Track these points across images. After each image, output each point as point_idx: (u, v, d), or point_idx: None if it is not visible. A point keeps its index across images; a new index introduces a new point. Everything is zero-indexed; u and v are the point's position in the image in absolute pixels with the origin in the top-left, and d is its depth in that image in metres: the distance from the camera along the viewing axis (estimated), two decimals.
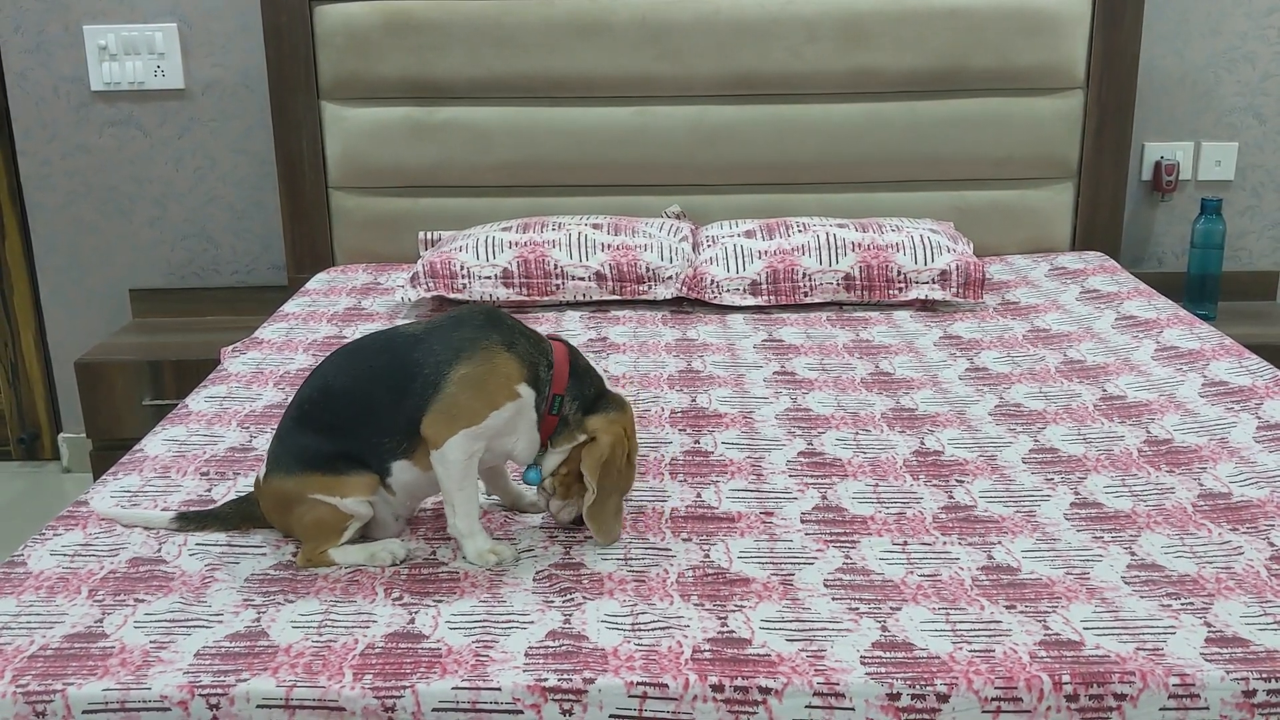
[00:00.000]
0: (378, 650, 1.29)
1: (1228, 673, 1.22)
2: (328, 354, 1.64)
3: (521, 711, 1.21)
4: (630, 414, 1.54)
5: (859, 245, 2.59)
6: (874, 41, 2.85)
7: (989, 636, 1.30)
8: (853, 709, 1.21)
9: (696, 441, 1.87)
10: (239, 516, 1.58)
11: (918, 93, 2.89)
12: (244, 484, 1.72)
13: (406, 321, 1.78)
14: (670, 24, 2.85)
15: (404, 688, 1.22)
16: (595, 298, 2.61)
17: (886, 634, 1.31)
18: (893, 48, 2.85)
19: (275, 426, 1.77)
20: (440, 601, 1.39)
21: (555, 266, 2.58)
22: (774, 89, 2.89)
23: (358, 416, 1.48)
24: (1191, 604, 1.36)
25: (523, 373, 1.47)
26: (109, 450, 2.80)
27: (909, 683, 1.22)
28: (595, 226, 2.67)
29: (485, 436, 1.47)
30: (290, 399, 1.62)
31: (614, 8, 2.85)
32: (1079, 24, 2.84)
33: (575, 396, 1.51)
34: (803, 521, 1.60)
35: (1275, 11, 2.97)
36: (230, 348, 2.39)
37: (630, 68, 2.88)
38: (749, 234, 2.68)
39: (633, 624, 1.33)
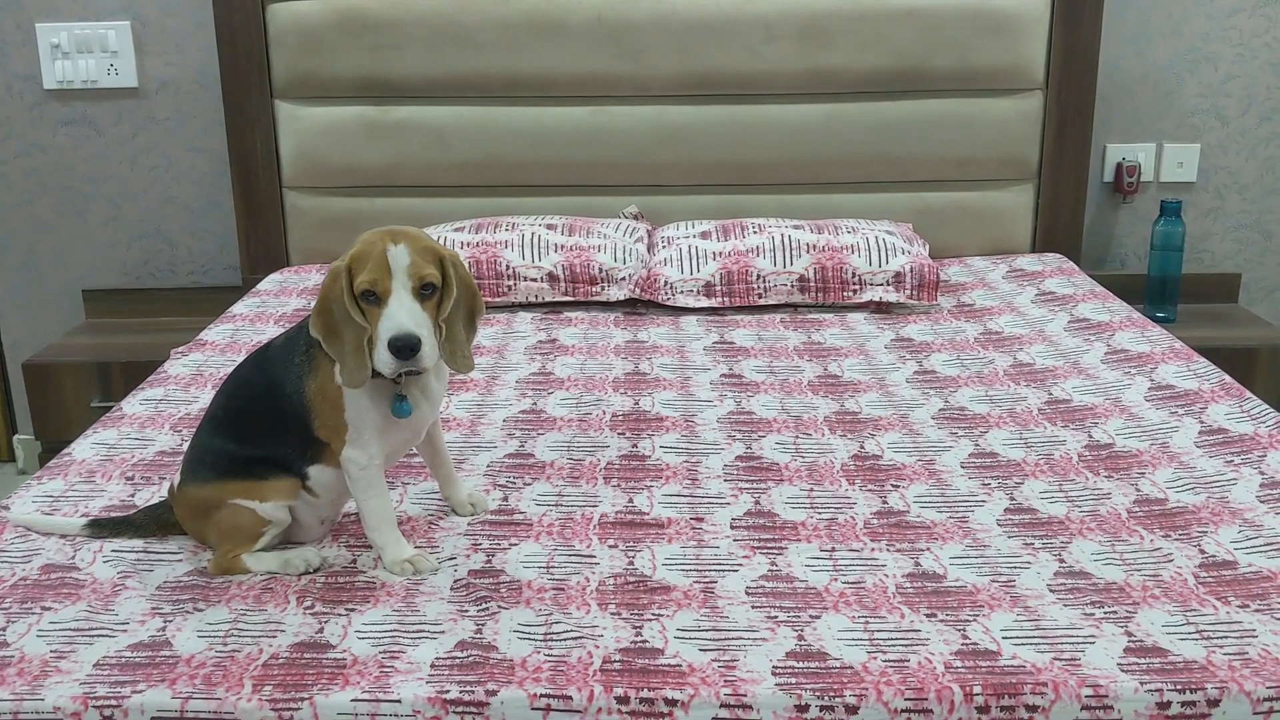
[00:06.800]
0: (281, 660, 1.26)
1: (1142, 684, 1.20)
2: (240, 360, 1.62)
3: None
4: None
5: (814, 247, 2.56)
6: (833, 41, 2.82)
7: (905, 646, 1.28)
8: None
9: (634, 445, 1.85)
10: (153, 524, 1.55)
11: (877, 93, 2.87)
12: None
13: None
14: (628, 23, 2.82)
15: (302, 699, 1.19)
16: (548, 299, 2.58)
17: (802, 643, 1.29)
18: (852, 48, 2.83)
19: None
20: (352, 610, 1.37)
21: (507, 267, 2.56)
22: (733, 89, 2.87)
23: (259, 426, 1.48)
24: (1115, 612, 1.34)
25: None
26: (58, 452, 2.76)
27: (818, 694, 1.19)
28: (549, 227, 2.65)
29: (366, 437, 1.44)
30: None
31: (571, 7, 2.82)
32: (1038, 24, 2.82)
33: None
34: (732, 528, 1.57)
35: (1237, 13, 2.95)
36: (178, 349, 2.36)
37: (588, 67, 2.85)
38: (705, 235, 2.66)
39: (545, 634, 1.31)
